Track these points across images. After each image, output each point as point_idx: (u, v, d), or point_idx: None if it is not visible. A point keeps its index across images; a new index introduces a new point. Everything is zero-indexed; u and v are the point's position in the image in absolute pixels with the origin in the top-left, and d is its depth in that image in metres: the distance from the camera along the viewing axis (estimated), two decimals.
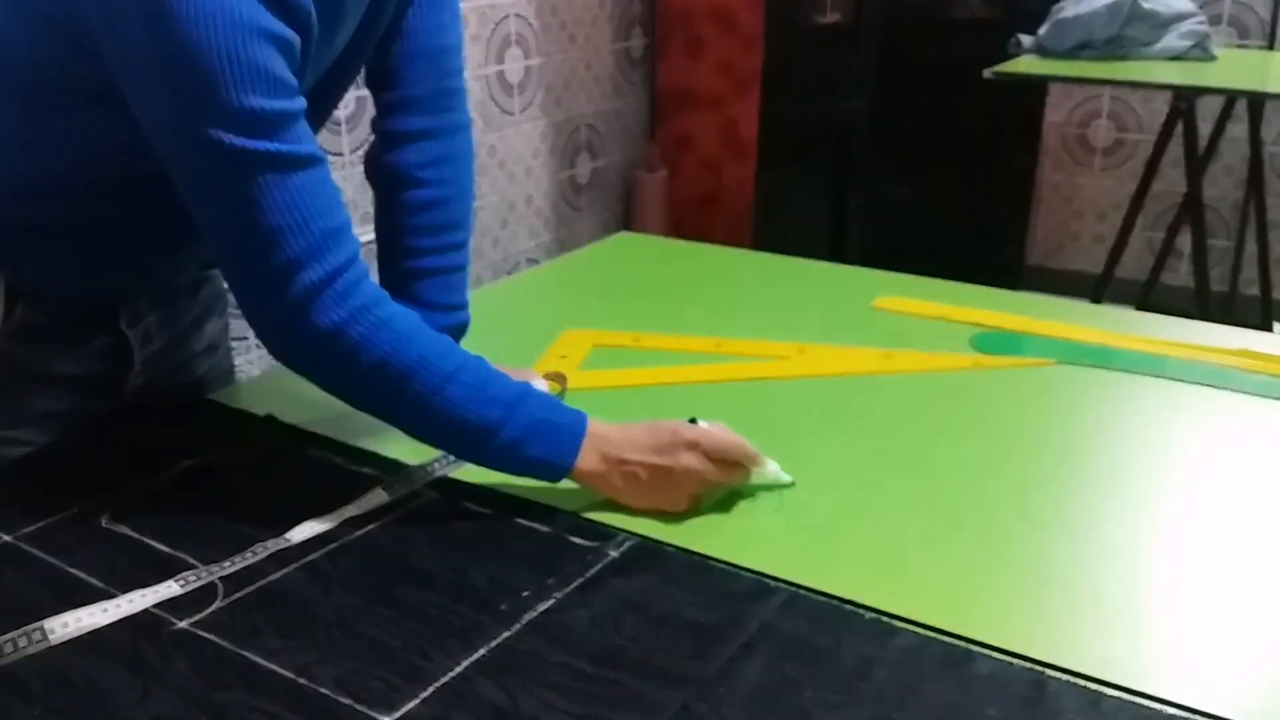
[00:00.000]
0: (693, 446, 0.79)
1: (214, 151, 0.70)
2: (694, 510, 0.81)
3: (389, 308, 0.77)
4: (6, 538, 0.77)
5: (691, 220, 2.91)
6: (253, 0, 0.68)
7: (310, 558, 0.75)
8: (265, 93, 0.69)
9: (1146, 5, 2.52)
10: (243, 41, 0.68)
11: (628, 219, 2.99)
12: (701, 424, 0.82)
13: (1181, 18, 2.56)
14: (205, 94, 0.68)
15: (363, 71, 0.96)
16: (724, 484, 0.81)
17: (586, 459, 0.79)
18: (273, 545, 0.76)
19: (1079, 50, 2.56)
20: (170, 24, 0.66)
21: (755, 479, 0.83)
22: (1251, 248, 3.01)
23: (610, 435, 0.80)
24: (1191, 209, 2.61)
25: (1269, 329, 2.80)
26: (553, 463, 0.79)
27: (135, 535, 0.78)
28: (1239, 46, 3.04)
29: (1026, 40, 2.67)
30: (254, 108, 0.69)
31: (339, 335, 0.74)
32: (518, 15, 2.50)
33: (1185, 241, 2.72)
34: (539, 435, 0.78)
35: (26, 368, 0.89)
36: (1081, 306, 1.35)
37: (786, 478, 0.83)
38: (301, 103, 0.74)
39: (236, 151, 0.70)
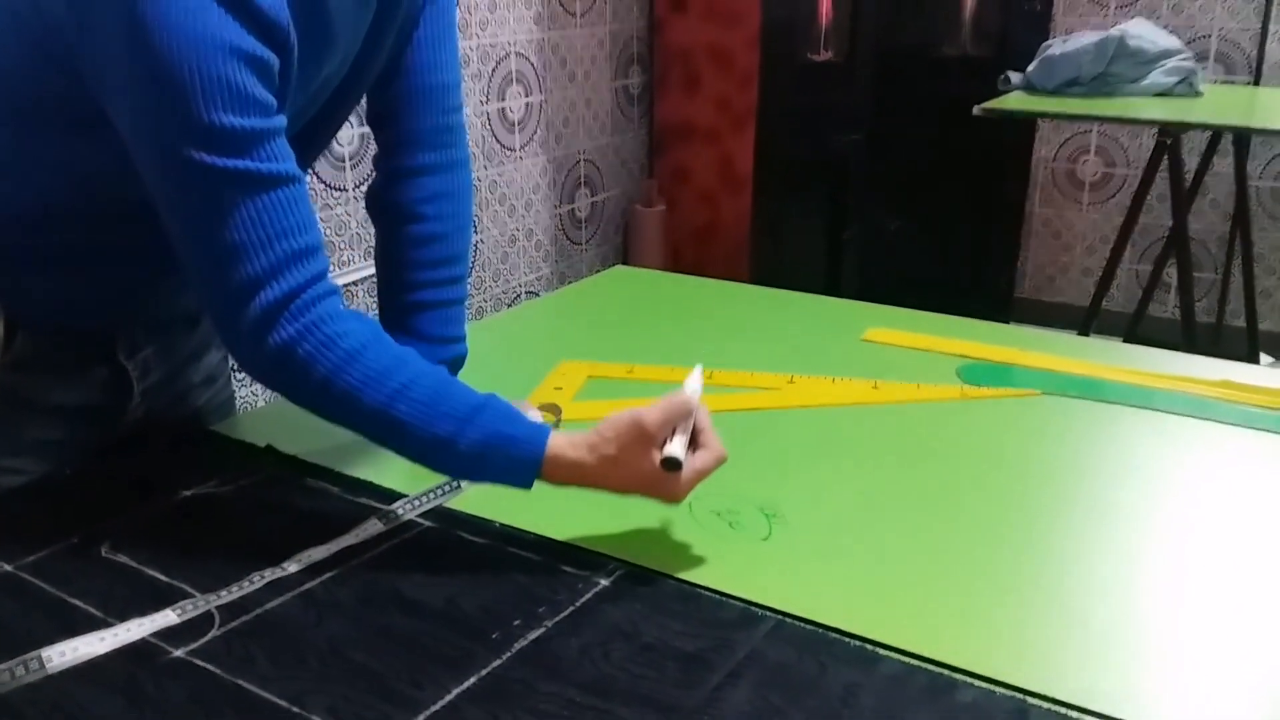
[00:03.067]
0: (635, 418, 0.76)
1: (185, 167, 0.71)
2: (686, 537, 0.82)
3: (338, 325, 0.76)
4: (7, 567, 0.78)
5: (689, 253, 2.94)
6: (229, 19, 0.69)
7: (306, 586, 0.76)
8: (237, 110, 0.71)
9: (1133, 43, 2.57)
10: (216, 59, 0.69)
11: (626, 252, 3.02)
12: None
13: (1167, 55, 2.61)
14: (177, 110, 0.69)
15: (364, 108, 0.99)
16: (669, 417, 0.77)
17: (555, 456, 0.76)
18: (270, 574, 0.77)
19: (1067, 87, 2.61)
20: (145, 41, 0.68)
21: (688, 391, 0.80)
22: (1238, 280, 3.04)
23: (573, 436, 0.78)
24: (1177, 242, 2.65)
25: (1255, 360, 2.82)
26: (516, 471, 0.77)
27: (134, 564, 0.79)
28: (1225, 82, 3.09)
29: (1015, 77, 2.71)
30: (225, 125, 0.70)
31: (289, 352, 0.75)
32: (519, 54, 2.55)
33: (1172, 274, 2.76)
34: (498, 447, 0.76)
35: (26, 397, 0.91)
36: (1067, 338, 1.36)
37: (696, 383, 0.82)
38: (279, 121, 0.75)
39: (206, 168, 0.71)
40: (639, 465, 0.76)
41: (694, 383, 0.83)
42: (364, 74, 0.92)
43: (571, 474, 0.77)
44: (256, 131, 0.72)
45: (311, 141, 0.93)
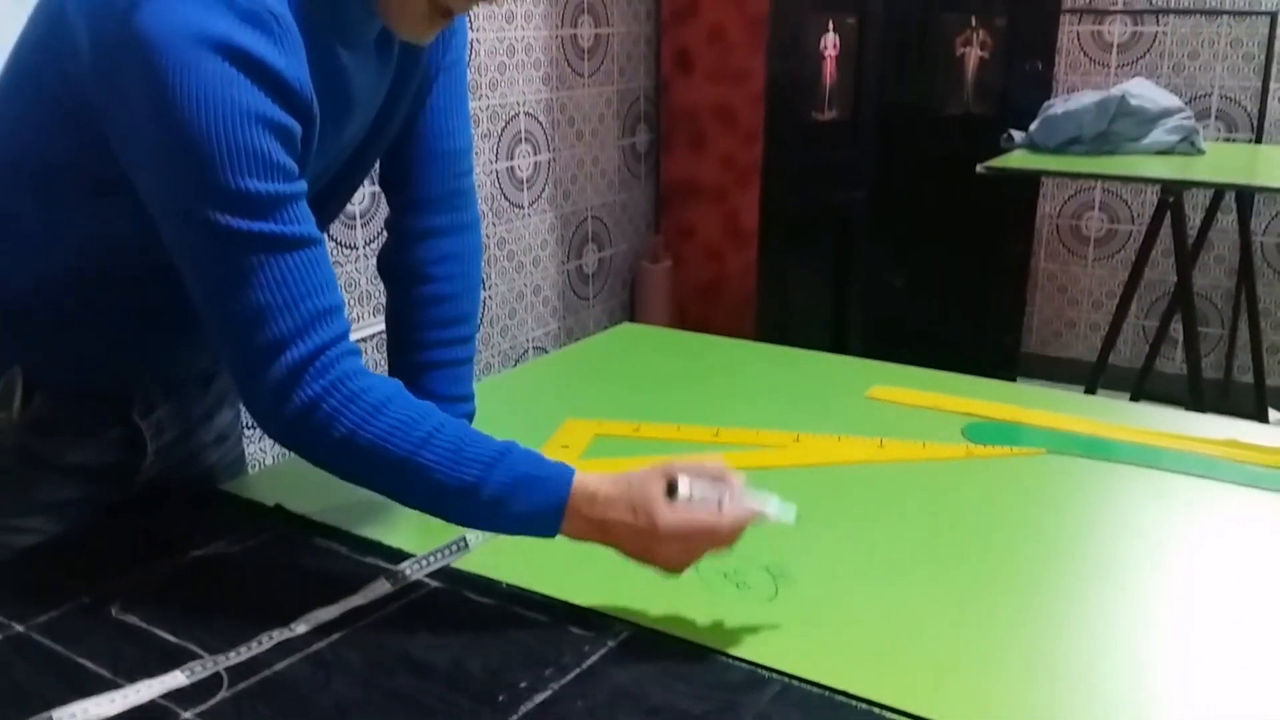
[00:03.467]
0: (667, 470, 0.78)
1: (209, 231, 0.73)
2: (692, 598, 0.82)
3: (363, 381, 0.77)
4: (18, 627, 0.79)
5: (696, 308, 2.97)
6: (253, 88, 0.72)
7: (314, 648, 0.77)
8: (261, 176, 0.73)
9: (1134, 102, 2.61)
10: (241, 127, 0.72)
11: (633, 308, 3.04)
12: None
13: (1168, 113, 2.65)
14: (202, 176, 0.72)
15: (376, 171, 1.02)
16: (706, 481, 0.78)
17: (576, 509, 0.77)
18: (278, 635, 0.78)
19: (1069, 145, 2.64)
20: (172, 108, 0.70)
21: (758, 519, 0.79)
22: (1245, 335, 3.05)
23: (601, 482, 0.78)
24: (1182, 299, 2.66)
25: (1263, 416, 2.81)
26: (540, 514, 0.78)
27: (144, 625, 0.79)
28: (1227, 140, 3.13)
29: (1018, 136, 2.75)
30: (249, 190, 0.73)
31: (314, 409, 0.76)
32: (527, 113, 2.60)
33: (1179, 330, 2.76)
34: (522, 490, 0.77)
35: (40, 457, 0.92)
36: (1073, 397, 1.37)
37: (787, 516, 0.80)
38: (300, 186, 0.77)
39: (230, 231, 0.73)
40: (645, 488, 0.77)
41: (775, 504, 0.80)
42: (379, 139, 0.95)
43: (590, 508, 0.77)
44: (279, 196, 0.75)
45: (328, 203, 0.96)
